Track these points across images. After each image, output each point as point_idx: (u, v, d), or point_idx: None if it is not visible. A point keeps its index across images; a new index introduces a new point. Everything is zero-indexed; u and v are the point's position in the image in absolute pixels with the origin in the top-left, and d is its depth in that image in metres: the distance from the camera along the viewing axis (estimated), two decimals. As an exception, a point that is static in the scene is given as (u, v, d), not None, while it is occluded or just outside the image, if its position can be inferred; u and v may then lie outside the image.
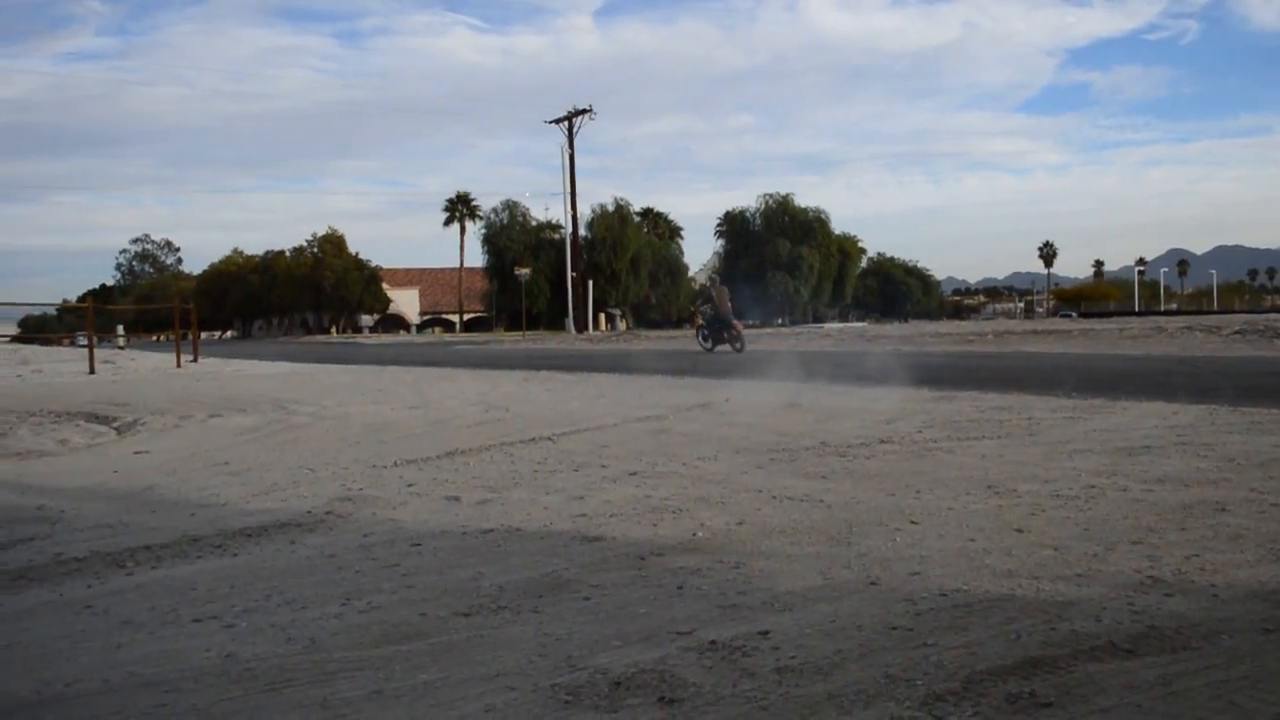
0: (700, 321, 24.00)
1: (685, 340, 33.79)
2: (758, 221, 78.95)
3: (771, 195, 79.14)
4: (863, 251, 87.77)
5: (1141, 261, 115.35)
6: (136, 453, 6.99)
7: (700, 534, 3.92)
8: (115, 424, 8.88)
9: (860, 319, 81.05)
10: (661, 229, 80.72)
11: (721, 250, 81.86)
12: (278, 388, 13.10)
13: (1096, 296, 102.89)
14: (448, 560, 3.62)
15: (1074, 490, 4.57)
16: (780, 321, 73.64)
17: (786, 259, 75.38)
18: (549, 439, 6.92)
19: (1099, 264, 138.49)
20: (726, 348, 21.70)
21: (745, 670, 2.45)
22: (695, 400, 9.57)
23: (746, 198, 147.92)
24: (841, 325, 59.33)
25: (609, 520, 4.23)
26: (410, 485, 5.24)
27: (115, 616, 3.05)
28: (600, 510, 4.44)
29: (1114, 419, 7.19)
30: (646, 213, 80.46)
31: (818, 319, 75.90)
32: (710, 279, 26.41)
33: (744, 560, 3.49)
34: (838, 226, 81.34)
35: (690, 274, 79.93)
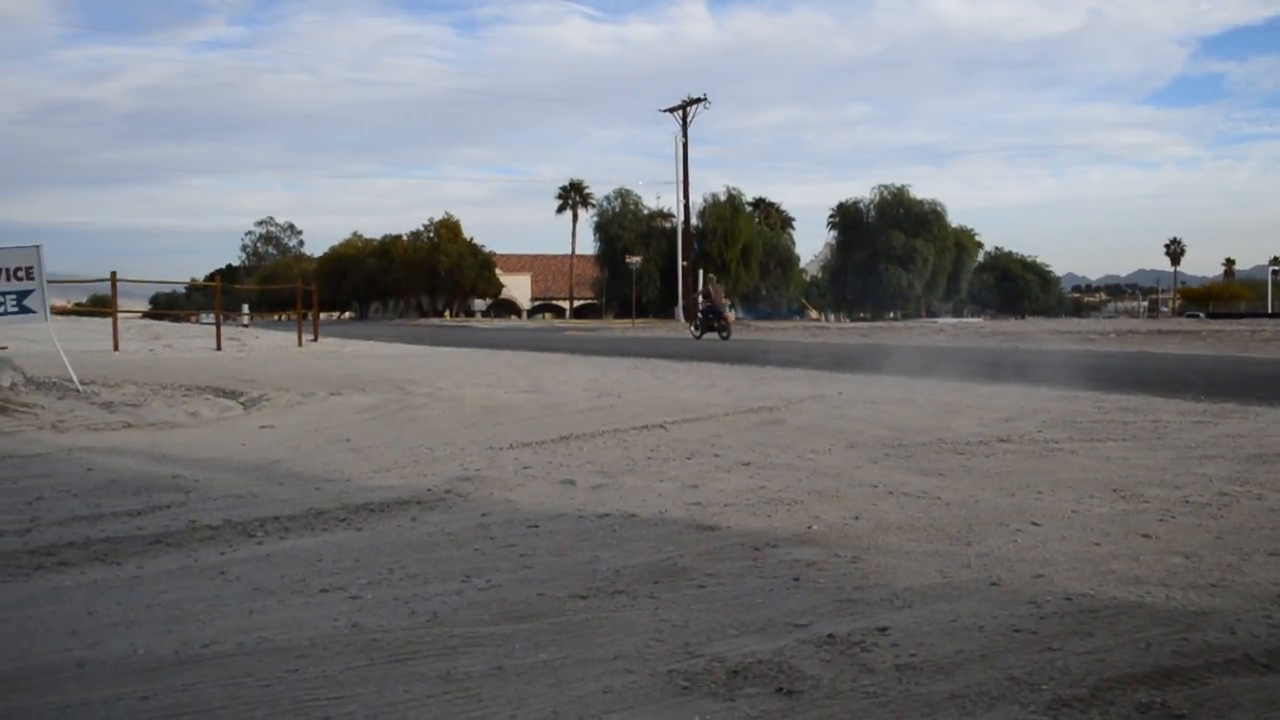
0: (698, 312, 28.74)
1: (796, 332, 33.60)
2: (871, 213, 77.74)
3: (886, 186, 77.98)
4: (979, 245, 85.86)
5: (1276, 260, 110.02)
6: (262, 427, 7.23)
7: (815, 527, 3.90)
8: (242, 399, 9.20)
9: (975, 315, 79.36)
10: (773, 219, 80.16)
11: (833, 241, 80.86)
12: (395, 368, 13.42)
13: (1226, 296, 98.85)
14: (564, 542, 3.67)
15: (1205, 497, 4.42)
16: (892, 315, 72.56)
17: (900, 252, 74.06)
18: (661, 426, 6.95)
19: (1229, 262, 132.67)
20: (714, 335, 25.84)
21: (864, 666, 2.43)
22: (807, 392, 9.50)
23: (860, 189, 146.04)
24: (956, 320, 58.21)
25: (723, 509, 4.23)
26: (526, 467, 5.32)
27: (247, 583, 3.17)
28: (714, 499, 4.44)
29: (1246, 424, 6.91)
30: (758, 203, 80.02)
31: (931, 314, 74.54)
32: (708, 277, 29.77)
33: (860, 555, 3.46)
34: (954, 219, 79.67)
35: (801, 265, 79.20)
